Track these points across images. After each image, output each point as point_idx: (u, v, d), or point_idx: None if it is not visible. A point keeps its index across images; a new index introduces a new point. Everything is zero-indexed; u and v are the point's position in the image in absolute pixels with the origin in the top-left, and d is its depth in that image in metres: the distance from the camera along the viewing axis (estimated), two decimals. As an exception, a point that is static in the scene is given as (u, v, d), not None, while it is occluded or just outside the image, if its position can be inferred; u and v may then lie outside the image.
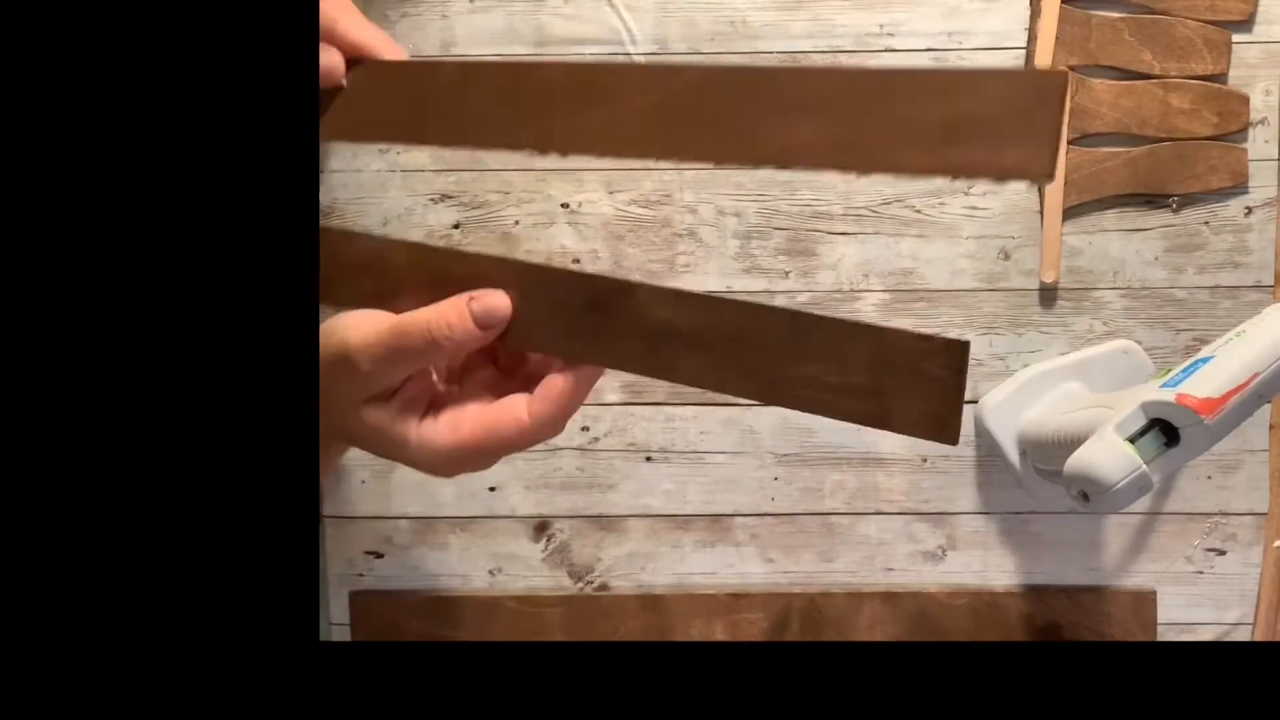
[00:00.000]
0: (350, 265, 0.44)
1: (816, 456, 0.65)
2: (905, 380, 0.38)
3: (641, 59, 0.62)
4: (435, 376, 0.44)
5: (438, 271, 0.42)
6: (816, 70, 0.40)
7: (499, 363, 0.45)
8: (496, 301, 0.40)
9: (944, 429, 0.38)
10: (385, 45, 0.44)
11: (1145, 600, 0.65)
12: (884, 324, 0.38)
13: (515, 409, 0.40)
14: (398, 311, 0.41)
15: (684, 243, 0.63)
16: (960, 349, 0.37)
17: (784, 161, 0.40)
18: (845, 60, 0.62)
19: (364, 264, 0.44)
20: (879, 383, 0.38)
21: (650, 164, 0.64)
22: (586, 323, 0.41)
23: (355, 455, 0.66)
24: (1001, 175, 0.37)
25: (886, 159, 0.38)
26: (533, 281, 0.41)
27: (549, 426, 0.40)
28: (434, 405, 0.41)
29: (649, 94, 0.41)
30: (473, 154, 0.64)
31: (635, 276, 0.63)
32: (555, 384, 0.40)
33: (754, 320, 0.40)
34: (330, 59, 0.42)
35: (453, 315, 0.39)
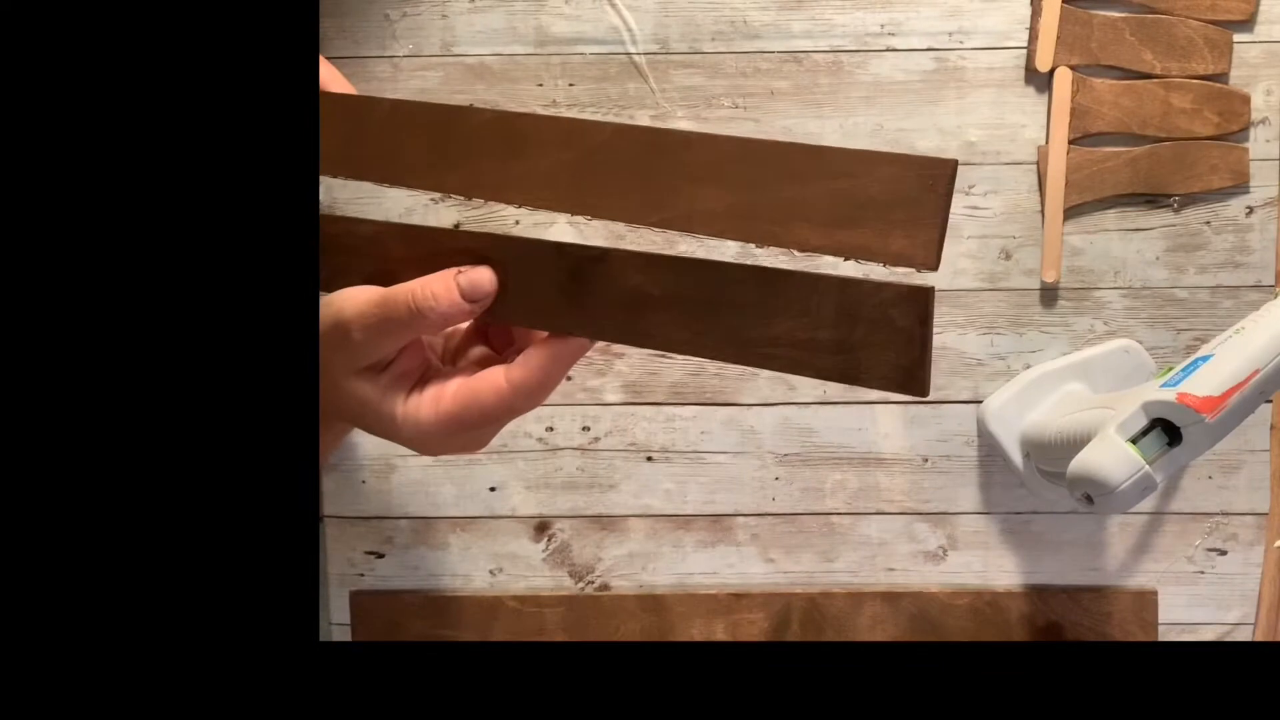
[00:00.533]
0: (348, 250, 0.44)
1: (817, 456, 0.65)
2: (872, 331, 0.38)
3: (642, 59, 0.62)
4: (432, 355, 0.44)
5: (428, 248, 0.43)
6: (722, 139, 0.40)
7: (491, 342, 0.45)
8: (482, 276, 0.41)
9: (912, 380, 0.38)
10: (334, 79, 0.44)
11: (1146, 600, 0.65)
12: (839, 246, 0.38)
13: (493, 377, 0.40)
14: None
15: (685, 242, 0.63)
16: (924, 296, 0.38)
17: (688, 227, 0.40)
18: (846, 60, 0.62)
19: (360, 248, 0.44)
20: (847, 336, 0.39)
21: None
22: (566, 293, 0.41)
23: (355, 455, 0.66)
24: (888, 261, 0.37)
25: (781, 234, 0.39)
26: (517, 255, 0.42)
27: (529, 395, 0.40)
28: (423, 381, 0.42)
29: (567, 149, 0.42)
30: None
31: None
32: (536, 352, 0.40)
33: (723, 280, 0.40)
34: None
35: (438, 287, 0.40)
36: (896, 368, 0.38)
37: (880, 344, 0.38)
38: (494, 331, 0.45)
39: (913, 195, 0.37)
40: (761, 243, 0.39)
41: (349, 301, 0.40)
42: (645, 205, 0.41)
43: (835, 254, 0.38)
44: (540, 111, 0.44)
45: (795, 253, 0.39)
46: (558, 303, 0.41)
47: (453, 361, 0.45)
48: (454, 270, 0.41)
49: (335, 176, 0.44)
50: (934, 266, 0.37)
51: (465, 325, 0.46)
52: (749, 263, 0.39)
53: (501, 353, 0.44)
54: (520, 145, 0.42)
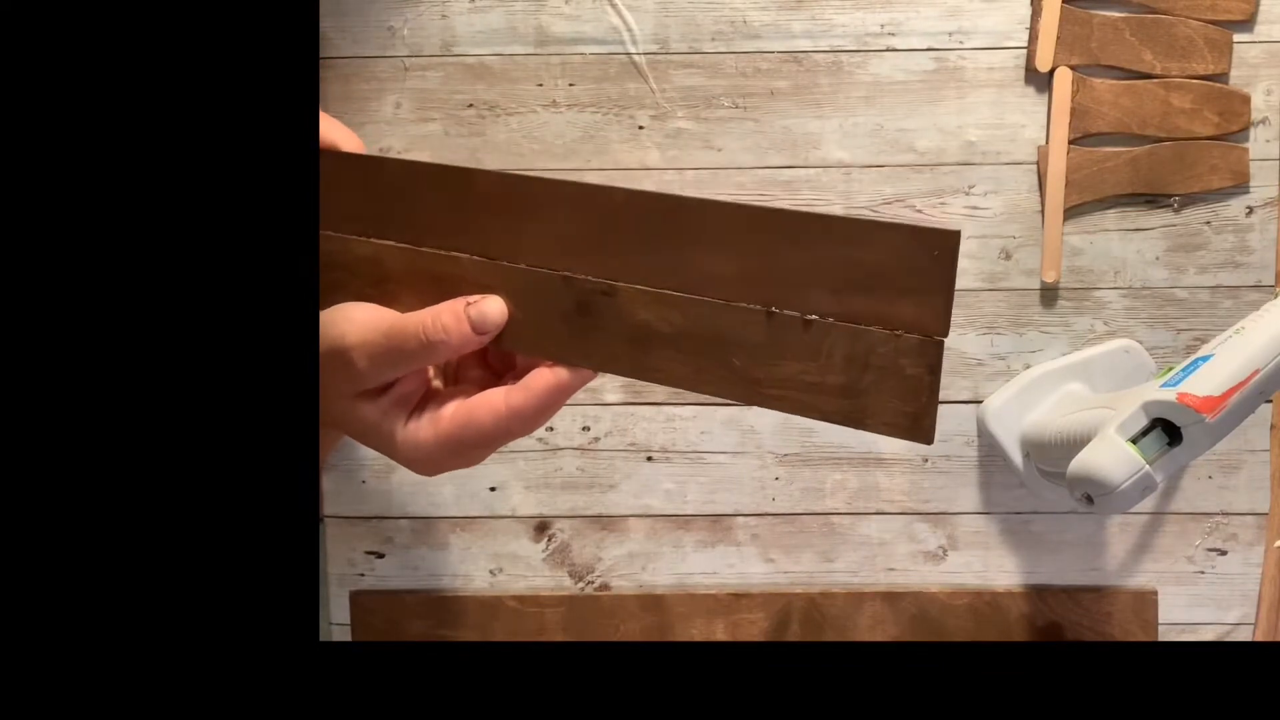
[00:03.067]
0: (343, 268, 0.44)
1: (817, 456, 0.65)
2: (881, 378, 0.39)
3: (642, 59, 0.62)
4: (431, 374, 0.44)
5: (428, 275, 0.43)
6: (736, 206, 0.41)
7: (490, 364, 0.45)
8: (493, 308, 0.41)
9: (918, 428, 0.39)
10: (345, 137, 0.44)
11: (1146, 600, 0.65)
12: (857, 325, 0.39)
13: (492, 400, 0.40)
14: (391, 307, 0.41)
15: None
16: (935, 348, 0.38)
17: (701, 291, 0.41)
18: (846, 60, 0.62)
19: (354, 267, 0.44)
20: (855, 381, 0.39)
21: (652, 166, 0.63)
22: (573, 325, 0.42)
23: (355, 455, 0.65)
24: (899, 328, 0.38)
25: (793, 299, 0.39)
26: (522, 286, 0.42)
27: (527, 420, 0.40)
28: (422, 403, 0.42)
29: (579, 212, 0.42)
30: (473, 155, 0.64)
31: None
32: (539, 378, 0.40)
33: (731, 322, 0.40)
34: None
35: (449, 319, 0.40)
36: (903, 414, 0.39)
37: (889, 391, 0.39)
38: (494, 353, 0.45)
39: (920, 265, 0.38)
40: (776, 307, 0.40)
41: (352, 327, 0.40)
42: (659, 270, 0.41)
43: (847, 320, 0.39)
44: (547, 174, 0.44)
45: (815, 320, 0.39)
46: (563, 333, 0.42)
47: (452, 381, 0.45)
48: (463, 301, 0.41)
49: (352, 235, 0.45)
50: (945, 334, 0.38)
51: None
52: (757, 307, 0.40)
53: (501, 375, 0.44)
54: (531, 208, 0.42)
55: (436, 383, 0.44)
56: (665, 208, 0.41)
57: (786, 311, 0.39)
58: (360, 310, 0.41)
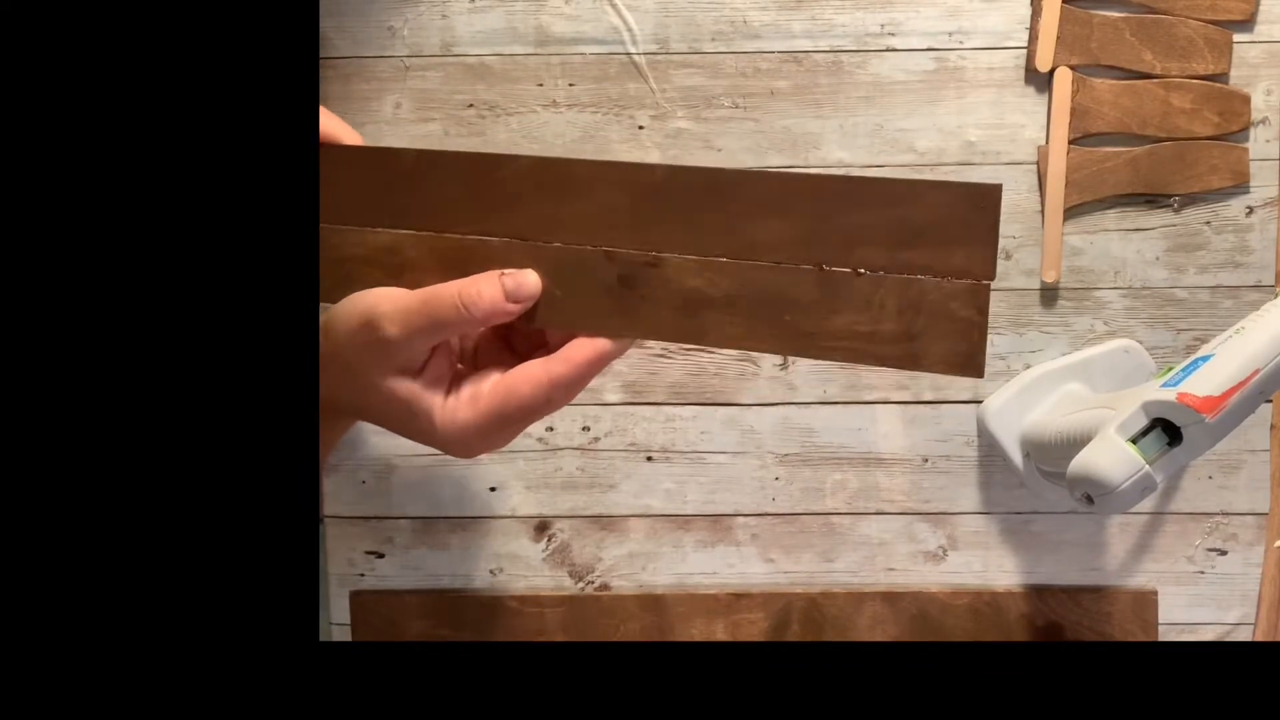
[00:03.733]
0: (359, 260, 0.44)
1: (817, 456, 0.65)
2: (934, 322, 0.42)
3: (642, 59, 0.62)
4: (455, 358, 0.44)
5: (454, 259, 0.44)
6: (778, 176, 0.43)
7: (515, 348, 0.45)
8: (528, 278, 0.41)
9: (971, 365, 0.42)
10: (344, 131, 0.45)
11: (1146, 600, 0.65)
12: (903, 265, 0.41)
13: (532, 371, 0.41)
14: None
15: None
16: (983, 291, 0.41)
17: (750, 256, 0.42)
18: (846, 60, 0.62)
19: (373, 258, 0.44)
20: (908, 327, 0.42)
21: (654, 164, 0.63)
22: (617, 298, 0.43)
23: (355, 455, 0.65)
24: (949, 275, 0.41)
25: (845, 257, 0.42)
26: (561, 263, 0.43)
27: (568, 389, 0.41)
28: (455, 384, 0.42)
29: (620, 191, 0.43)
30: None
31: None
32: (579, 348, 0.41)
33: (782, 282, 0.42)
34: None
35: (485, 286, 0.41)
36: (957, 353, 0.42)
37: (941, 333, 0.41)
38: (517, 336, 0.45)
39: (966, 217, 0.41)
40: (826, 265, 0.42)
41: (383, 299, 0.41)
42: (704, 240, 0.42)
43: (900, 272, 0.41)
44: (585, 156, 0.45)
45: (863, 271, 0.41)
46: (606, 306, 0.43)
47: (473, 368, 0.45)
48: (498, 271, 0.41)
49: (368, 226, 0.45)
50: (992, 277, 0.41)
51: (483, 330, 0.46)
52: (808, 267, 0.42)
53: (528, 357, 0.44)
54: (569, 189, 0.43)
55: (461, 367, 0.44)
56: (706, 181, 0.43)
57: (837, 269, 0.42)
58: (387, 289, 0.42)
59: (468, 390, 0.41)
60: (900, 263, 0.41)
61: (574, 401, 0.64)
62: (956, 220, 0.41)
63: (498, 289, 0.41)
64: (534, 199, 0.43)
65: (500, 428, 0.41)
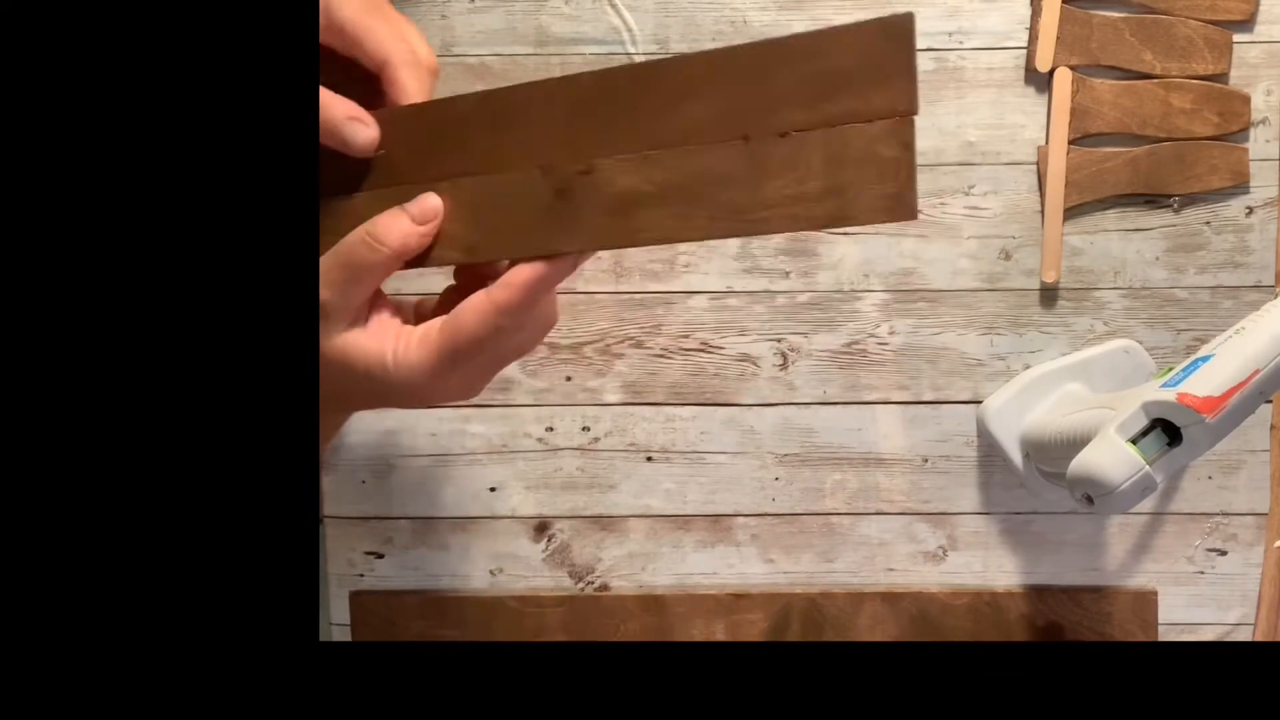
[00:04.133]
0: (326, 230, 0.45)
1: (817, 456, 0.65)
2: (860, 170, 0.40)
3: (642, 59, 0.62)
4: (400, 318, 0.44)
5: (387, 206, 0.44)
6: (693, 56, 0.42)
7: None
8: (429, 199, 0.42)
9: (902, 205, 0.39)
10: (385, 34, 0.44)
11: (1146, 600, 0.65)
12: (827, 118, 0.40)
13: (475, 301, 0.41)
14: None
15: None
16: (906, 125, 0.39)
17: (684, 142, 0.41)
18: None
19: (337, 225, 0.45)
20: (836, 181, 0.40)
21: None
22: (553, 214, 0.42)
23: (355, 455, 0.65)
24: (875, 117, 0.39)
25: (771, 121, 0.40)
26: (500, 192, 0.43)
27: (513, 313, 0.40)
28: (404, 335, 0.42)
29: (551, 106, 0.43)
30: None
31: (636, 276, 0.63)
32: (519, 271, 0.41)
33: (712, 160, 0.41)
34: (365, 134, 0.43)
35: (386, 218, 0.41)
36: (887, 197, 0.40)
37: (870, 179, 0.40)
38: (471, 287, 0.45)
39: (881, 55, 0.39)
40: (755, 134, 0.40)
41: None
42: (635, 137, 0.42)
43: (825, 125, 0.40)
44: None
45: (791, 134, 0.40)
46: (543, 224, 0.42)
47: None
48: (398, 206, 0.42)
49: (334, 194, 0.45)
50: (915, 111, 0.39)
51: (436, 298, 0.46)
52: (737, 140, 0.41)
53: None
54: (506, 117, 0.43)
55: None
56: (629, 78, 0.42)
57: (763, 138, 0.40)
58: None
59: (418, 334, 0.42)
60: (824, 116, 0.40)
61: (574, 402, 0.65)
62: (872, 61, 0.39)
63: (401, 216, 0.41)
64: (479, 134, 0.44)
65: (453, 364, 0.41)
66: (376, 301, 0.43)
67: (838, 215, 0.40)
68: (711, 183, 0.41)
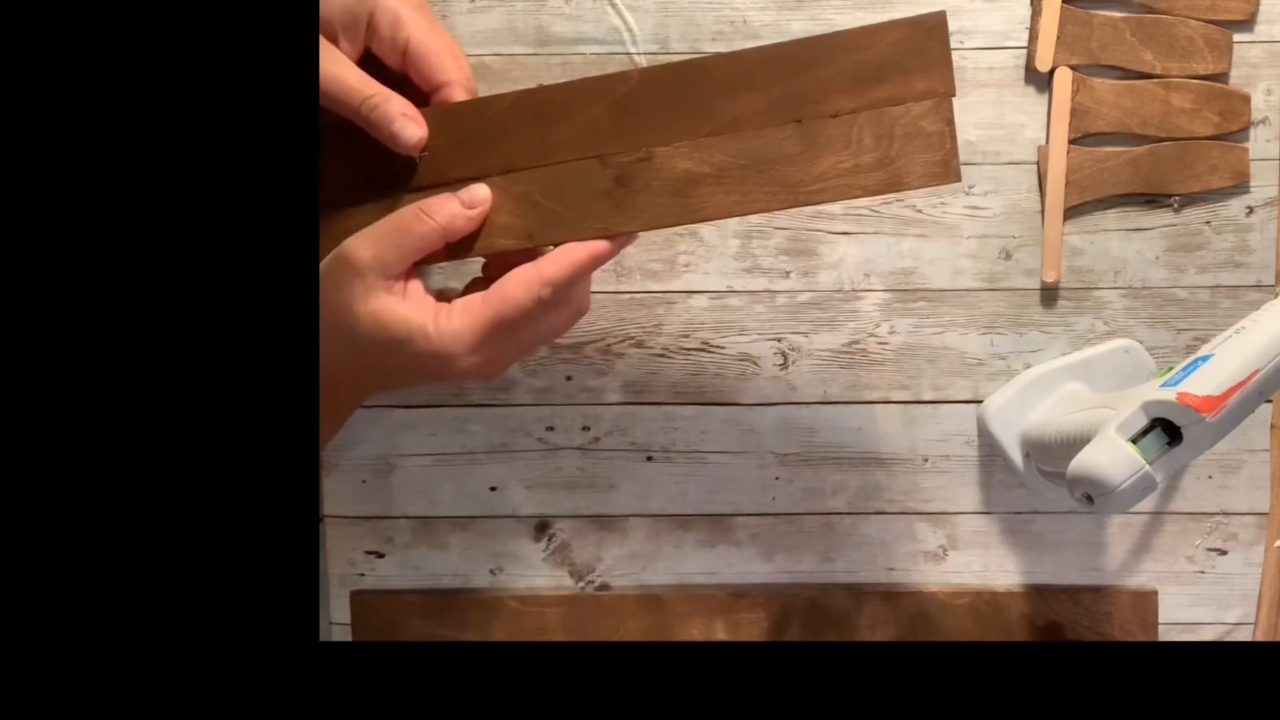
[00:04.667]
0: (360, 228, 0.46)
1: (818, 456, 0.65)
2: (907, 143, 0.46)
3: (643, 60, 0.62)
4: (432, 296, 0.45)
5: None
6: (746, 53, 0.47)
7: None
8: (479, 189, 0.44)
9: (947, 170, 0.47)
10: (447, 56, 0.46)
11: (1147, 600, 0.65)
12: (872, 102, 0.46)
13: (523, 272, 0.42)
14: None
15: (684, 242, 0.63)
16: (946, 104, 0.46)
17: (736, 129, 0.47)
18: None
19: (370, 222, 0.46)
20: (886, 153, 0.47)
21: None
22: (614, 198, 0.47)
23: (355, 455, 0.65)
24: (916, 99, 0.46)
25: (820, 108, 0.47)
26: (556, 180, 0.47)
27: (559, 287, 0.42)
28: (443, 307, 0.43)
29: (598, 102, 0.47)
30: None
31: (636, 276, 0.63)
32: (572, 249, 0.43)
33: (767, 142, 0.47)
34: (415, 133, 0.45)
35: (438, 198, 0.43)
36: (933, 163, 0.47)
37: (917, 150, 0.46)
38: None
39: (920, 46, 0.46)
40: (806, 118, 0.46)
41: (351, 237, 0.42)
42: (689, 127, 0.47)
43: (871, 108, 0.46)
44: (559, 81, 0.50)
45: (841, 115, 0.46)
46: (605, 208, 0.47)
47: None
48: (449, 192, 0.44)
49: (355, 198, 0.47)
50: (953, 92, 0.47)
51: (458, 289, 0.47)
52: (790, 123, 0.47)
53: None
54: (551, 114, 0.48)
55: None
56: (679, 74, 0.47)
57: (814, 120, 0.46)
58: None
59: (458, 304, 0.42)
60: (869, 100, 0.46)
61: (574, 401, 0.65)
62: (911, 52, 0.46)
63: (452, 198, 0.43)
64: (521, 131, 0.47)
65: (497, 334, 0.42)
66: (412, 274, 0.43)
67: (890, 183, 0.47)
68: (768, 161, 0.47)
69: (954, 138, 0.46)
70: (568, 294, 0.42)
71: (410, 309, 0.42)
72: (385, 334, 0.41)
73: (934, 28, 0.46)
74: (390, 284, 0.42)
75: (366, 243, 0.41)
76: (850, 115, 0.46)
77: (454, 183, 0.46)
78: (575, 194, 0.46)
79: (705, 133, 0.46)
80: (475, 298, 0.42)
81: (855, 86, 0.46)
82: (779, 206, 0.47)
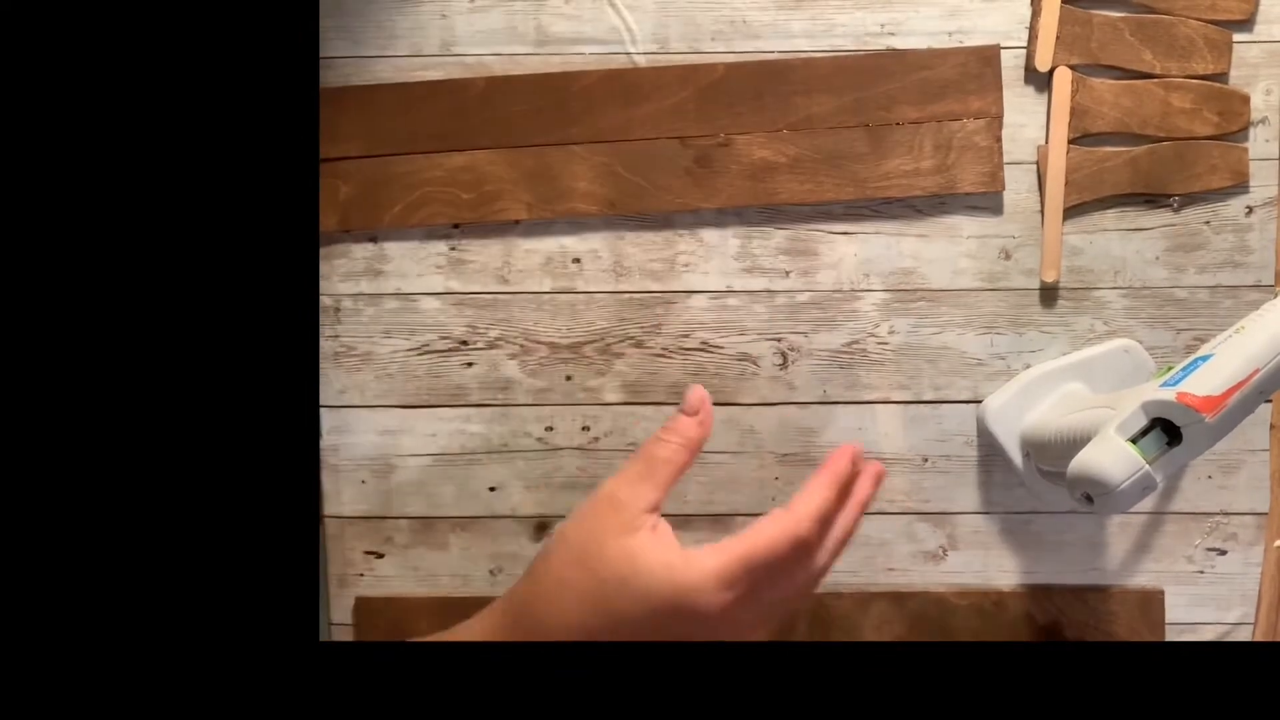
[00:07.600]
0: (434, 182, 0.58)
1: (817, 456, 0.65)
2: (962, 154, 0.57)
3: (642, 59, 0.62)
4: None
5: (536, 168, 0.58)
6: (825, 59, 0.56)
7: None
8: (696, 392, 0.45)
9: (995, 179, 0.59)
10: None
11: (1153, 600, 0.65)
12: (933, 115, 0.57)
13: (777, 512, 0.43)
14: None
15: (685, 242, 0.63)
16: (996, 123, 0.57)
17: (810, 126, 0.56)
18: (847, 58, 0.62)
19: (449, 177, 0.60)
20: (943, 161, 0.57)
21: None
22: (694, 176, 0.56)
23: (355, 455, 0.65)
24: (970, 117, 0.56)
25: (887, 116, 0.56)
26: (639, 155, 0.55)
27: (809, 516, 0.43)
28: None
29: (684, 88, 0.55)
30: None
31: (636, 276, 0.63)
32: (806, 483, 0.44)
33: (838, 141, 0.56)
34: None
35: (669, 422, 0.44)
36: (983, 173, 0.58)
37: (969, 160, 0.57)
38: None
39: (977, 72, 0.57)
40: (873, 123, 0.56)
41: (611, 475, 0.43)
42: (767, 119, 0.56)
43: (931, 120, 0.56)
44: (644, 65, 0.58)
45: (905, 124, 0.56)
46: (685, 185, 0.56)
47: None
48: (684, 416, 0.45)
49: (437, 152, 0.56)
50: (1002, 114, 0.57)
51: None
52: (861, 125, 0.56)
53: None
54: (636, 93, 0.56)
55: None
56: (762, 70, 0.56)
57: (881, 125, 0.55)
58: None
59: (711, 544, 0.42)
60: (930, 114, 0.55)
61: (574, 401, 0.65)
62: (970, 76, 0.55)
63: (677, 415, 0.44)
64: (606, 106, 0.55)
65: (749, 572, 0.41)
66: (660, 518, 0.43)
67: (945, 186, 0.57)
68: (838, 158, 0.55)
69: (1000, 153, 0.55)
70: (816, 517, 0.42)
71: (660, 543, 0.42)
72: (630, 567, 0.41)
73: (990, 57, 0.55)
74: (646, 517, 0.42)
75: (622, 480, 0.43)
76: (914, 125, 0.54)
77: (541, 144, 0.55)
78: (657, 169, 0.54)
79: (781, 126, 0.54)
80: (728, 538, 0.42)
81: (919, 100, 0.55)
82: (848, 198, 0.54)
